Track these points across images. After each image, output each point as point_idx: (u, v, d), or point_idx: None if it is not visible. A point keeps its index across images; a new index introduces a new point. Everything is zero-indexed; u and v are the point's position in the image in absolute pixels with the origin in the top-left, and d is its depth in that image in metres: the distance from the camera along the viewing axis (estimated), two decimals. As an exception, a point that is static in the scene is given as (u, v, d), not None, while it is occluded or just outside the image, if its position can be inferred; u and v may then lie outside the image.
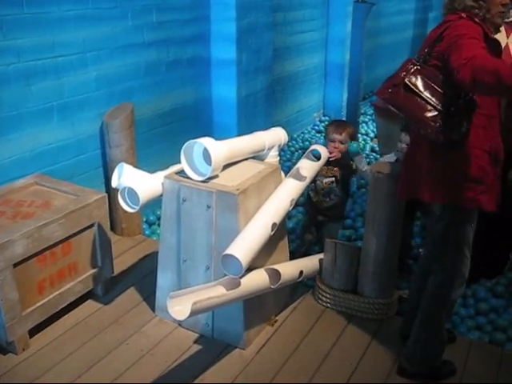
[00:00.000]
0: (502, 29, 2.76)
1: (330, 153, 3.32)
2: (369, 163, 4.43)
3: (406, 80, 2.22)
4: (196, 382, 2.58)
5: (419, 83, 2.22)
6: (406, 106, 2.23)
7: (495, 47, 2.23)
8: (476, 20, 2.20)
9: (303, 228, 3.73)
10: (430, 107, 2.19)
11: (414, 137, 2.48)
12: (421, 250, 4.01)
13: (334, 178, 3.44)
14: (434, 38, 2.26)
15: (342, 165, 3.43)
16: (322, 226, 3.58)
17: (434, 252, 2.53)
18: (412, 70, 2.23)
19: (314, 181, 3.33)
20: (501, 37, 2.63)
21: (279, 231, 2.75)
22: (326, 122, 7.15)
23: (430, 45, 2.28)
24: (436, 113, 2.18)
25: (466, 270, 2.48)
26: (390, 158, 3.57)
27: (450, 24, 2.22)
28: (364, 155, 3.38)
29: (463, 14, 2.21)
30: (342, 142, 3.39)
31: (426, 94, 2.20)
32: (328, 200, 3.48)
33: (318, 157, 3.18)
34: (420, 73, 2.23)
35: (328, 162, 3.32)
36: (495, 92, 2.07)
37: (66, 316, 2.98)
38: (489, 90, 2.04)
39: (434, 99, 2.20)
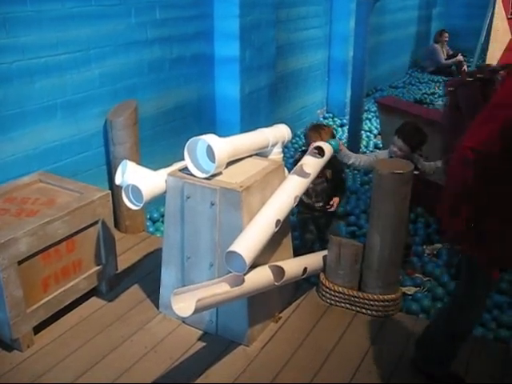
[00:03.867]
0: None
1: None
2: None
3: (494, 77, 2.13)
4: (200, 378, 2.58)
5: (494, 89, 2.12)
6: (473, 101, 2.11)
7: None
8: None
9: (303, 228, 3.69)
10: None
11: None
12: (425, 246, 4.02)
13: (323, 179, 3.40)
14: None
15: (331, 165, 3.32)
16: (318, 220, 3.57)
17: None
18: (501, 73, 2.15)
19: None
20: None
21: (283, 228, 2.75)
22: (330, 119, 7.15)
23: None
24: None
25: (477, 310, 2.37)
26: (384, 154, 3.56)
27: None
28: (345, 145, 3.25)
29: None
30: None
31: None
32: (321, 200, 3.47)
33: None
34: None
35: None
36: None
37: (70, 313, 2.99)
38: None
39: None
